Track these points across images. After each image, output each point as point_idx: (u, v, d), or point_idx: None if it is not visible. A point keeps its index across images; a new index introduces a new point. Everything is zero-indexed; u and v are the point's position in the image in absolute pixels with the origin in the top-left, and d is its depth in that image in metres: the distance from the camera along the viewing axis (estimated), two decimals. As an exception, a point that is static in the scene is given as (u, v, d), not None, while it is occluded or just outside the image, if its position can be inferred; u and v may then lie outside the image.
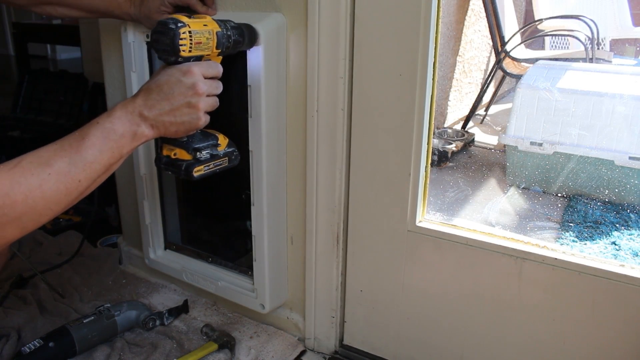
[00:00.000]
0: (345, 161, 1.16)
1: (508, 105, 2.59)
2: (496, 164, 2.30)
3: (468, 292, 1.13)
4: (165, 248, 1.49)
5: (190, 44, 0.87)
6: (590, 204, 1.84)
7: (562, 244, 1.63)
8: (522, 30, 2.88)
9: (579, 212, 1.79)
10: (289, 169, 1.22)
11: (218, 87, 0.93)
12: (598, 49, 2.67)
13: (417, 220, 1.14)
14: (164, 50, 0.87)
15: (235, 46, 0.98)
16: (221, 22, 0.95)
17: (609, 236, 1.65)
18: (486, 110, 3.07)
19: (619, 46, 3.22)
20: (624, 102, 1.78)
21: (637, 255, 1.55)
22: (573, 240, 1.64)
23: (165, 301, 1.48)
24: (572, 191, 1.90)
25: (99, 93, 1.72)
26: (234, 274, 1.36)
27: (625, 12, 3.18)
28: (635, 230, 1.69)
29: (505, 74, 2.67)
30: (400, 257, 1.17)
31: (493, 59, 2.81)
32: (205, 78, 0.89)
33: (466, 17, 2.76)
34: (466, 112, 2.89)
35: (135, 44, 1.27)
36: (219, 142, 0.99)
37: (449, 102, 2.79)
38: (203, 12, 1.13)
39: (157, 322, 1.35)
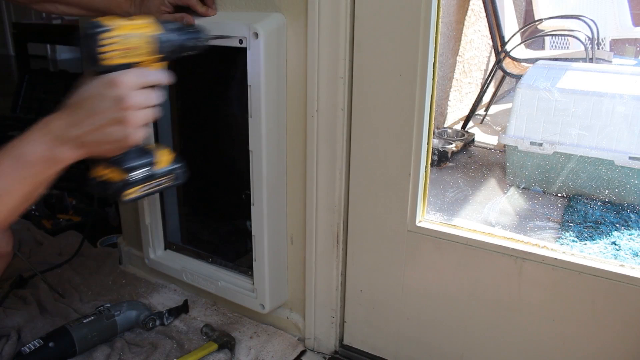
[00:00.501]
0: (345, 161, 1.16)
1: (508, 105, 2.59)
2: (496, 164, 2.30)
3: (468, 292, 1.13)
4: (165, 248, 1.49)
5: (116, 50, 0.76)
6: (590, 204, 1.84)
7: (562, 244, 1.63)
8: (522, 30, 2.88)
9: (579, 212, 1.79)
10: (289, 169, 1.22)
11: (155, 97, 0.80)
12: (598, 49, 2.67)
13: (417, 220, 1.14)
14: (87, 57, 0.76)
15: (178, 50, 0.86)
16: (160, 24, 0.83)
17: (609, 236, 1.65)
18: (486, 110, 3.07)
19: (619, 46, 3.22)
20: (624, 102, 1.78)
21: (637, 255, 1.55)
22: (573, 240, 1.64)
23: (165, 301, 1.48)
24: (572, 191, 1.90)
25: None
26: (234, 274, 1.36)
27: (625, 12, 3.18)
28: (635, 230, 1.69)
29: (505, 74, 2.67)
30: (400, 257, 1.17)
31: (493, 59, 2.81)
32: (139, 88, 0.77)
33: (466, 17, 2.76)
34: (466, 112, 2.89)
35: (135, 44, 1.27)
36: (159, 159, 0.86)
37: (449, 102, 2.79)
38: (203, 12, 1.14)
39: (157, 322, 1.35)
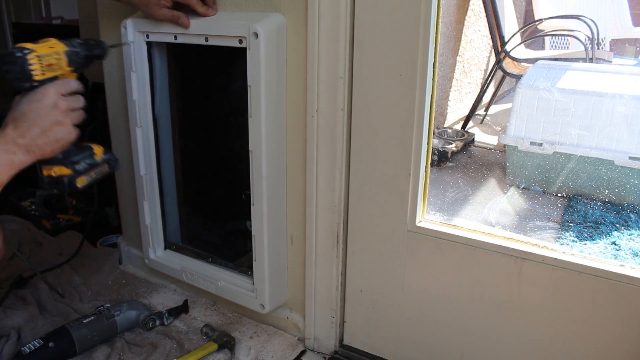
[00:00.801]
0: (345, 161, 1.16)
1: (508, 105, 2.59)
2: (496, 164, 2.30)
3: (468, 292, 1.13)
4: (165, 248, 1.49)
5: (42, 67, 0.91)
6: (590, 204, 1.84)
7: (562, 244, 1.63)
8: (522, 30, 2.88)
9: (579, 212, 1.79)
10: (289, 169, 1.22)
11: (79, 101, 0.96)
12: (598, 49, 2.67)
13: (417, 220, 1.14)
14: (18, 78, 0.90)
15: (87, 60, 1.01)
16: (67, 42, 0.97)
17: (609, 236, 1.65)
18: (486, 110, 3.07)
19: (619, 46, 3.22)
20: (624, 102, 1.78)
21: (637, 255, 1.55)
22: (573, 240, 1.64)
23: (165, 301, 1.48)
24: (572, 191, 1.90)
25: (99, 93, 1.72)
26: (234, 274, 1.36)
27: (625, 12, 3.18)
28: (635, 230, 1.69)
29: (505, 74, 2.67)
30: (400, 257, 1.17)
31: (493, 59, 2.81)
32: (64, 95, 0.93)
33: (466, 17, 2.76)
34: (466, 112, 2.89)
35: (135, 44, 1.27)
36: (94, 151, 1.03)
37: (449, 102, 2.79)
38: (202, 12, 1.14)
39: (157, 322, 1.35)
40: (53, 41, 0.95)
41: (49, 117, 0.90)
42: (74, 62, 0.97)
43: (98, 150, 1.04)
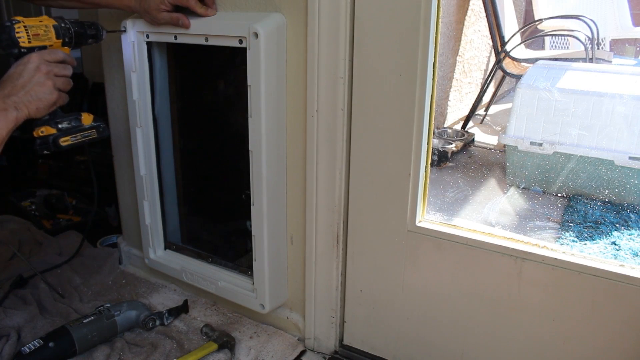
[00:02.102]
0: (345, 161, 1.16)
1: (508, 105, 2.59)
2: (496, 164, 2.30)
3: (468, 292, 1.13)
4: (165, 248, 1.49)
5: (28, 35, 1.03)
6: (590, 204, 1.84)
7: (562, 244, 1.63)
8: (522, 30, 2.88)
9: (579, 212, 1.79)
10: (289, 169, 1.22)
11: (65, 69, 1.06)
12: (598, 49, 2.67)
13: (417, 220, 1.14)
14: (7, 44, 1.02)
15: (79, 38, 1.12)
16: (59, 18, 1.10)
17: (609, 236, 1.65)
18: (486, 110, 3.07)
19: (619, 46, 3.22)
20: (624, 102, 1.78)
21: (637, 255, 1.55)
22: (573, 240, 1.64)
23: (165, 301, 1.48)
24: (572, 191, 1.90)
25: (99, 93, 1.72)
26: (234, 274, 1.36)
27: (625, 12, 3.18)
28: (635, 230, 1.69)
29: (505, 74, 2.67)
30: (400, 257, 1.17)
31: (493, 59, 2.81)
32: (49, 61, 1.03)
33: (466, 17, 2.76)
34: (466, 112, 2.89)
35: (135, 44, 1.27)
36: (83, 117, 1.15)
37: (449, 102, 2.78)
38: (202, 12, 1.14)
39: (157, 322, 1.35)
40: (44, 17, 1.08)
41: (32, 78, 1.00)
42: (62, 36, 1.08)
43: (86, 117, 1.15)
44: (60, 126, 1.10)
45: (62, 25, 1.09)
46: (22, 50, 1.03)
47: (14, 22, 1.02)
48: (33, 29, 1.03)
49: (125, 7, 1.19)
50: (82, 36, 1.13)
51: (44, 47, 1.05)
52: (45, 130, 1.08)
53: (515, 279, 1.07)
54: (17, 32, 1.01)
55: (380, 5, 1.03)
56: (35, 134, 1.09)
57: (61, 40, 1.08)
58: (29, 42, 1.03)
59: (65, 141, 1.10)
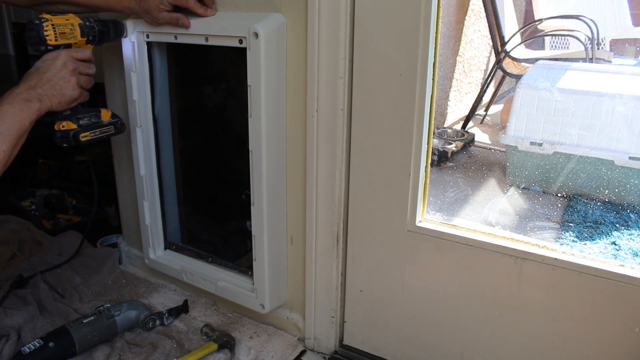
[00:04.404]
0: (345, 161, 1.16)
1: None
2: (496, 164, 2.30)
3: (468, 292, 1.13)
4: (165, 248, 1.49)
5: (55, 33, 1.06)
6: (590, 204, 1.84)
7: (562, 244, 1.63)
8: (522, 30, 2.88)
9: (579, 212, 1.79)
10: (289, 169, 1.22)
11: (89, 67, 1.10)
12: (598, 49, 2.66)
13: (417, 220, 1.14)
14: (35, 42, 1.05)
15: (102, 36, 1.16)
16: (84, 17, 1.13)
17: (609, 236, 1.65)
18: (486, 110, 3.07)
19: (619, 46, 3.22)
20: (624, 102, 1.77)
21: (637, 255, 1.55)
22: (573, 240, 1.64)
23: (165, 301, 1.48)
24: (572, 191, 1.90)
25: (99, 93, 1.72)
26: (233, 274, 1.36)
27: (625, 12, 3.18)
28: (635, 230, 1.69)
29: (505, 74, 2.67)
30: (400, 257, 1.17)
31: (493, 59, 2.81)
32: (76, 59, 1.07)
33: (466, 17, 2.76)
34: (466, 112, 2.89)
35: (135, 43, 1.27)
36: (102, 113, 1.18)
37: (449, 102, 2.78)
38: (201, 13, 1.14)
39: (157, 322, 1.35)
40: (70, 15, 1.11)
41: (58, 74, 1.04)
42: (86, 34, 1.11)
43: (105, 113, 1.18)
44: (81, 122, 1.13)
45: (87, 23, 1.12)
46: (49, 47, 1.06)
47: (42, 20, 1.05)
48: (60, 27, 1.06)
49: (125, 9, 1.19)
50: (105, 34, 1.17)
51: (69, 45, 1.09)
52: (67, 125, 1.12)
53: (515, 279, 1.07)
54: (45, 30, 1.04)
55: (380, 5, 1.03)
56: (56, 127, 1.12)
57: (85, 39, 1.12)
58: (56, 40, 1.06)
59: (85, 137, 1.14)
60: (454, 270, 1.13)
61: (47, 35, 1.05)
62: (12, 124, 0.98)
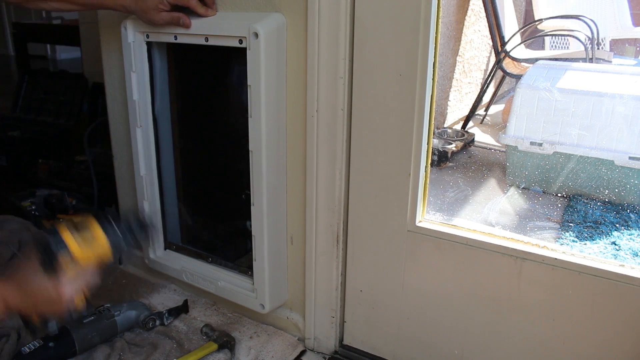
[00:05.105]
0: (345, 161, 1.16)
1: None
2: (496, 164, 2.30)
3: (468, 292, 1.13)
4: (165, 248, 1.49)
5: (68, 261, 0.89)
6: (590, 204, 1.84)
7: (562, 244, 1.63)
8: (522, 30, 2.88)
9: (579, 212, 1.79)
10: (289, 169, 1.22)
11: (93, 279, 0.93)
12: (598, 49, 2.66)
13: (417, 220, 1.14)
14: (45, 259, 0.88)
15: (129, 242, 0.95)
16: (110, 228, 0.92)
17: (609, 236, 1.65)
18: (486, 110, 3.06)
19: (619, 46, 3.22)
20: (624, 102, 1.78)
21: (637, 255, 1.55)
22: (573, 240, 1.64)
23: (165, 301, 1.48)
24: (572, 191, 1.90)
25: (99, 93, 1.72)
26: (233, 274, 1.36)
27: (625, 12, 3.18)
28: (635, 230, 1.69)
29: (505, 74, 2.67)
30: (400, 257, 1.17)
31: (493, 59, 2.81)
32: (77, 286, 0.90)
33: (466, 17, 2.76)
34: (466, 112, 2.89)
35: (135, 44, 1.27)
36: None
37: (449, 102, 2.78)
38: (202, 13, 1.14)
39: (157, 322, 1.35)
40: (97, 232, 0.91)
41: (47, 306, 0.93)
42: (116, 249, 0.93)
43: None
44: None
45: (115, 238, 0.93)
46: (55, 270, 0.90)
47: (63, 248, 0.90)
48: (75, 255, 0.91)
49: (119, 7, 1.17)
50: (120, 249, 0.96)
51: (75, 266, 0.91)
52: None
53: (515, 279, 1.07)
54: (59, 256, 0.89)
55: (381, 5, 1.03)
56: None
57: (113, 250, 0.94)
58: (65, 266, 0.90)
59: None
60: (454, 270, 1.13)
61: (58, 261, 0.89)
62: None
